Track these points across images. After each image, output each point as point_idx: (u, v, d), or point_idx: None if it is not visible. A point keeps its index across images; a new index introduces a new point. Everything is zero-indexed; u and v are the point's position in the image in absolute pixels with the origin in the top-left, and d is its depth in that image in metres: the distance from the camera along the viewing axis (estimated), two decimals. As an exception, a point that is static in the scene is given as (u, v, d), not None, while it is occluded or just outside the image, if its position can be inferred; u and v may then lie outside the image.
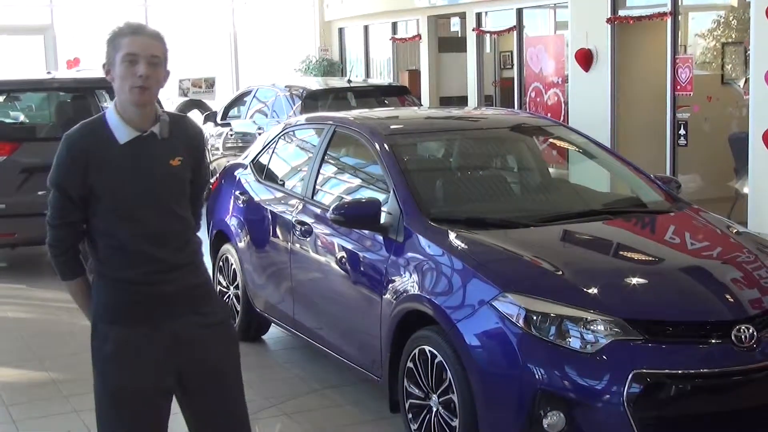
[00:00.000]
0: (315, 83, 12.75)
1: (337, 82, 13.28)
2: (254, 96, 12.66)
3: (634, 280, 4.49)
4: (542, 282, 4.38)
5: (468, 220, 4.98)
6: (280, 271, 6.12)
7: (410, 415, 4.75)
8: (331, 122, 6.13)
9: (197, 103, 17.21)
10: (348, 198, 5.51)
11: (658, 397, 4.05)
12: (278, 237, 6.16)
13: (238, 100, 13.46)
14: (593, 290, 4.31)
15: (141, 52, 3.14)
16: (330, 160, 6.02)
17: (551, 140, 6.34)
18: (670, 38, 11.07)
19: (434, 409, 4.57)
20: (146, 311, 3.25)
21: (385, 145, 5.47)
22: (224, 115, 13.13)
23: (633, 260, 4.80)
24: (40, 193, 9.08)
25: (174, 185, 3.31)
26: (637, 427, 3.98)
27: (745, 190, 10.55)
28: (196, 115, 15.96)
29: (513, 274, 4.46)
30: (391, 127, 5.86)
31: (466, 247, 4.70)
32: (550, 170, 6.26)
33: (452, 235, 4.78)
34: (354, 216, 5.08)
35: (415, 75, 17.16)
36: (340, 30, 19.40)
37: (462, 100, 15.69)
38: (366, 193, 5.60)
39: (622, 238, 5.04)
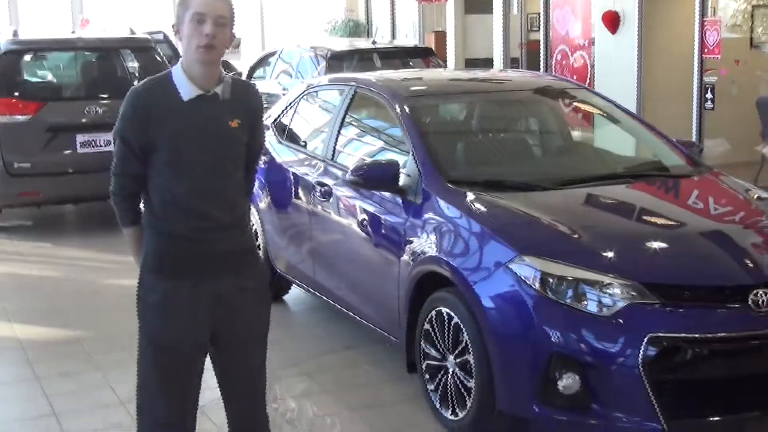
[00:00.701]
0: (340, 44, 12.71)
1: (362, 43, 13.22)
2: (279, 57, 12.65)
3: (652, 244, 4.47)
4: (559, 245, 4.38)
5: (486, 182, 4.97)
6: (301, 232, 6.15)
7: (427, 376, 4.79)
8: (352, 83, 6.12)
9: (223, 64, 17.20)
10: (367, 159, 5.51)
11: (673, 361, 4.05)
12: (299, 198, 6.19)
13: (263, 61, 13.45)
14: (610, 254, 4.30)
15: (209, 12, 3.22)
16: (350, 122, 6.02)
17: (574, 103, 6.29)
18: (699, 0, 10.93)
19: (450, 370, 4.60)
20: (192, 266, 3.34)
21: (405, 107, 5.46)
22: (249, 76, 13.14)
23: (651, 224, 4.79)
24: (66, 152, 9.20)
25: (231, 146, 3.39)
26: (651, 390, 3.98)
27: (770, 155, 10.47)
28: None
29: (530, 237, 4.46)
30: (412, 89, 5.85)
31: (483, 209, 4.71)
32: (573, 133, 6.22)
33: (470, 197, 4.78)
34: (372, 177, 5.09)
35: (441, 36, 17.03)
36: (367, -9, 19.28)
37: (488, 62, 15.57)
38: (386, 155, 5.59)
39: (641, 202, 5.01)
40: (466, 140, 5.79)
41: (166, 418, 3.44)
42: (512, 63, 15.13)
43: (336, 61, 11.47)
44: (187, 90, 3.29)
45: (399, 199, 5.07)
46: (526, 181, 5.04)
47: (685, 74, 11.15)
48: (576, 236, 4.40)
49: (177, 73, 3.33)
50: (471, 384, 4.43)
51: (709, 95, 10.89)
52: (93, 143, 9.32)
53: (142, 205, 3.48)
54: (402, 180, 5.05)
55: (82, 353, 5.97)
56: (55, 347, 6.14)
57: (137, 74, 10.01)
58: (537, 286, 4.17)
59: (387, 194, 5.16)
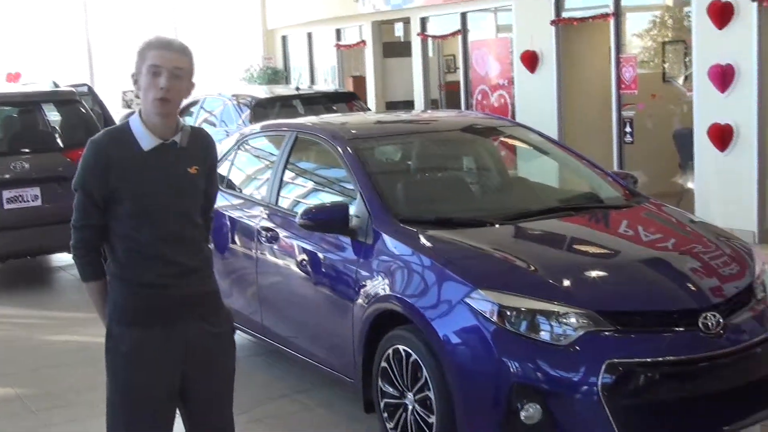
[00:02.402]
0: (262, 91, 12.76)
1: (283, 90, 13.31)
2: (201, 106, 12.62)
3: (602, 274, 4.60)
4: (514, 278, 4.47)
5: (436, 220, 5.05)
6: (245, 278, 6.14)
7: (386, 414, 4.81)
8: (293, 129, 6.17)
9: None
10: (316, 203, 5.55)
11: (631, 386, 4.15)
12: (242, 244, 6.18)
13: (185, 111, 13.38)
14: (564, 284, 4.40)
15: (164, 65, 3.27)
16: (293, 167, 6.06)
17: (511, 140, 6.45)
18: (614, 38, 11.30)
19: (410, 407, 4.63)
20: (160, 313, 3.37)
21: (349, 149, 5.53)
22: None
23: (599, 255, 4.91)
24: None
25: (191, 192, 3.46)
26: (612, 415, 4.08)
27: (690, 184, 10.81)
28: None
29: (485, 271, 4.54)
30: (353, 131, 5.92)
31: (437, 246, 4.78)
32: (513, 169, 6.36)
33: (422, 235, 4.85)
34: (323, 220, 5.13)
35: (360, 81, 17.24)
36: (284, 38, 19.42)
37: (408, 105, 15.82)
38: (331, 198, 5.64)
39: (587, 234, 5.15)
40: (411, 180, 5.88)
41: None
42: (432, 104, 15.39)
43: (261, 108, 11.50)
44: (146, 140, 3.35)
45: (349, 241, 5.11)
46: (475, 217, 5.13)
47: (604, 109, 11.50)
48: (529, 269, 4.50)
49: (135, 123, 3.37)
50: (432, 419, 4.47)
51: (628, 129, 11.24)
52: (20, 199, 9.17)
53: (106, 256, 3.47)
54: (352, 221, 5.10)
55: (27, 411, 5.84)
56: (-4, 406, 6.00)
57: (58, 128, 9.92)
58: (495, 319, 4.24)
59: (336, 236, 5.20)
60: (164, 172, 3.37)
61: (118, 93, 17.41)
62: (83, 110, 9.89)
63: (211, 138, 3.65)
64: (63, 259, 10.68)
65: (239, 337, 6.77)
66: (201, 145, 3.51)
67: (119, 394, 3.38)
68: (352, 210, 5.16)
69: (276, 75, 18.96)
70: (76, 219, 3.41)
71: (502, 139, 6.47)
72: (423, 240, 4.82)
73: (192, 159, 3.44)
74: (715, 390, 4.33)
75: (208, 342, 3.46)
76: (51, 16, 18.85)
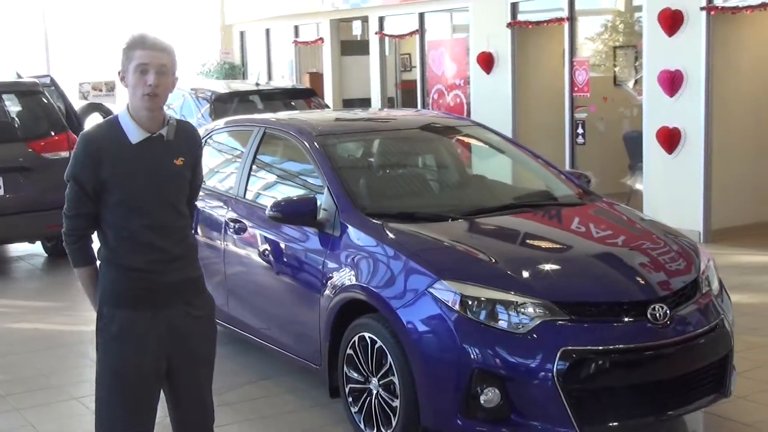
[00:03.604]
0: (221, 86, 12.87)
1: (241, 85, 13.42)
2: (161, 99, 12.68)
3: (558, 267, 4.87)
4: (476, 269, 4.72)
5: (400, 214, 5.29)
6: (211, 267, 6.30)
7: (350, 399, 5.04)
8: (261, 124, 6.37)
9: (97, 107, 17.13)
10: (285, 196, 5.75)
11: (584, 372, 4.42)
12: (209, 235, 6.37)
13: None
14: (522, 276, 4.67)
15: (151, 63, 3.47)
16: (261, 161, 6.27)
17: (470, 139, 6.71)
18: (568, 42, 11.62)
19: (374, 392, 4.86)
20: (148, 297, 3.57)
21: (316, 145, 5.75)
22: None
23: (554, 249, 5.17)
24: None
25: (177, 183, 3.66)
26: (566, 399, 4.35)
27: (639, 185, 11.17)
28: (97, 119, 15.91)
29: (448, 263, 4.79)
30: (320, 128, 6.14)
31: (401, 238, 5.02)
32: (474, 166, 6.62)
33: (387, 229, 5.08)
34: (292, 212, 5.36)
35: (316, 77, 17.41)
36: (242, 33, 19.53)
37: (365, 102, 16.03)
38: (297, 192, 5.87)
39: (543, 229, 5.42)
40: (376, 175, 6.12)
41: None
42: (389, 102, 15.63)
43: (220, 102, 11.62)
44: (135, 133, 3.54)
45: (317, 233, 5.34)
46: (437, 212, 5.38)
47: (558, 111, 11.82)
48: (490, 261, 4.75)
49: (124, 117, 3.57)
50: (396, 403, 4.71)
51: (580, 130, 11.57)
52: (-16, 188, 9.24)
53: (98, 242, 3.66)
54: (320, 214, 5.32)
55: (-4, 396, 5.99)
56: (-33, 391, 6.12)
57: (21, 119, 9.99)
58: (457, 308, 4.50)
59: (304, 228, 5.42)
60: (151, 164, 3.56)
61: (74, 85, 17.46)
62: (46, 101, 9.98)
63: (196, 131, 3.87)
64: (22, 249, 10.77)
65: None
66: (186, 138, 3.71)
67: (111, 372, 3.56)
68: (320, 203, 5.38)
69: (233, 70, 19.06)
70: (68, 208, 3.59)
71: (461, 137, 6.73)
72: (388, 233, 5.06)
73: (178, 151, 3.64)
74: (661, 377, 4.62)
75: (190, 324, 3.67)
76: (8, 8, 18.77)
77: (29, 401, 5.85)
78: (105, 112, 16.71)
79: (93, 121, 12.66)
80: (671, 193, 10.27)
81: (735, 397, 5.09)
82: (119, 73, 3.57)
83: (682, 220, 9.52)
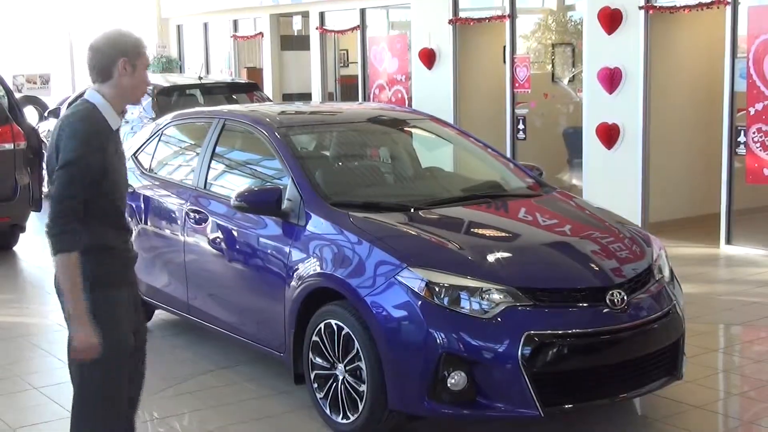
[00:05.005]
0: (162, 80, 12.82)
1: (180, 79, 13.38)
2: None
3: (519, 255, 5.04)
4: (442, 256, 4.86)
5: (364, 204, 5.41)
6: (171, 258, 6.36)
7: (316, 385, 5.13)
8: (220, 116, 6.42)
9: (32, 99, 16.92)
10: (244, 187, 5.82)
11: (546, 355, 4.59)
12: (168, 225, 6.41)
13: (82, 97, 13.34)
14: (487, 263, 4.82)
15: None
16: (221, 152, 6.32)
17: (431, 132, 6.85)
18: (509, 39, 11.83)
19: (340, 377, 4.97)
20: (125, 275, 3.84)
21: (278, 136, 5.83)
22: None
23: (515, 238, 5.33)
24: None
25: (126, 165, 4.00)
26: (529, 382, 4.51)
27: (578, 180, 11.45)
28: (32, 112, 15.71)
29: (415, 250, 4.92)
30: (280, 119, 6.22)
31: (367, 227, 5.13)
32: (432, 158, 6.76)
33: (353, 217, 5.19)
34: (256, 201, 5.43)
35: (255, 72, 17.42)
36: (179, 27, 19.42)
37: (304, 97, 16.10)
38: (259, 182, 5.95)
39: (502, 219, 5.58)
40: (337, 166, 6.22)
41: (126, 414, 3.86)
42: (329, 97, 15.71)
43: (164, 96, 11.60)
44: (114, 121, 3.72)
45: (282, 222, 5.42)
46: (400, 202, 5.51)
47: (499, 107, 12.03)
48: (457, 248, 4.89)
49: (103, 105, 3.68)
50: (362, 388, 4.82)
51: (521, 126, 11.80)
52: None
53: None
54: (284, 204, 5.41)
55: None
56: None
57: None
58: (424, 294, 4.63)
59: (270, 218, 5.50)
60: (120, 149, 3.83)
61: (8, 78, 17.18)
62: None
63: None
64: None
65: (163, 315, 7.04)
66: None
67: (111, 349, 3.62)
68: (285, 193, 5.46)
69: (170, 64, 18.94)
70: (64, 192, 3.54)
71: (419, 130, 6.87)
72: (354, 222, 5.17)
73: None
74: (617, 360, 4.82)
75: (139, 298, 4.03)
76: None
77: (-7, 391, 5.83)
78: (41, 105, 16.53)
79: (28, 114, 12.47)
80: (610, 187, 10.55)
81: (685, 381, 5.30)
82: (123, 62, 3.65)
83: (621, 214, 9.61)
